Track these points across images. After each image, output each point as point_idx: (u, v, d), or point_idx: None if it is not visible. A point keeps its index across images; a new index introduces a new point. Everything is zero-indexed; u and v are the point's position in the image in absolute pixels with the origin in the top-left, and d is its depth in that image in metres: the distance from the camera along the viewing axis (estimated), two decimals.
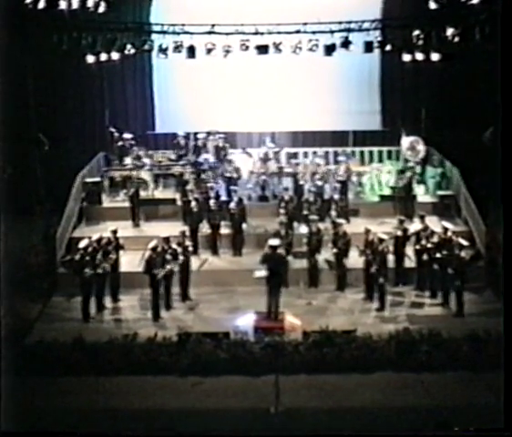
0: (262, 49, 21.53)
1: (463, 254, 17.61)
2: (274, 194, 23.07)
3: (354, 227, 20.49)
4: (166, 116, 27.00)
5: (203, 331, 16.22)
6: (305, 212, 20.74)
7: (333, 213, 21.22)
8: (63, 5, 19.45)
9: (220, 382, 14.96)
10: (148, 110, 27.16)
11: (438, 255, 17.84)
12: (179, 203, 22.32)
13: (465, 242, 17.95)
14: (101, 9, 20.96)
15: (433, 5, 20.63)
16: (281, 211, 20.39)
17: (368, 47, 21.79)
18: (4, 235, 13.69)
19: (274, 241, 17.66)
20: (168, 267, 17.73)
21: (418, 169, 24.04)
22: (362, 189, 23.75)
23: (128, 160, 24.24)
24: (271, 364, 15.33)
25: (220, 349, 15.56)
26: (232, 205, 20.84)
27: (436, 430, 12.95)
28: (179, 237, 18.64)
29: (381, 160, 25.83)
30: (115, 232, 18.71)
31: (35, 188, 19.68)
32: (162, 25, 22.16)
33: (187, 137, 25.31)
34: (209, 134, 25.02)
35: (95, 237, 18.18)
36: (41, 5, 18.75)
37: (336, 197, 21.91)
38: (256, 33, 21.40)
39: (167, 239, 18.13)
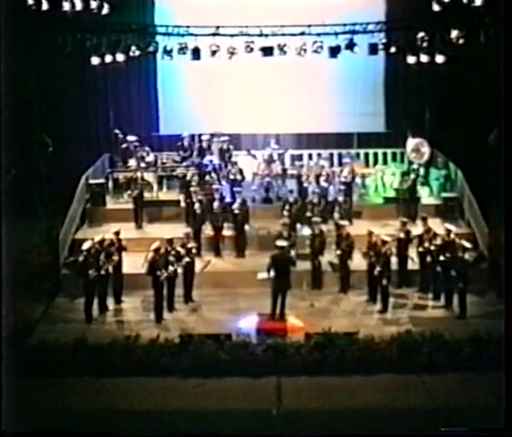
0: (267, 51, 21.49)
1: (466, 256, 17.56)
2: (278, 196, 23.04)
3: (358, 229, 20.46)
4: (170, 118, 26.99)
5: (205, 333, 16.23)
6: (308, 214, 20.72)
7: (336, 215, 21.26)
8: (66, 7, 19.48)
9: (222, 384, 14.94)
10: (152, 112, 27.16)
11: (441, 257, 17.84)
12: (182, 205, 22.33)
13: (467, 244, 17.90)
14: (104, 11, 20.95)
15: (436, 7, 20.62)
16: (285, 213, 20.36)
17: (373, 49, 21.77)
18: (6, 235, 13.67)
19: (281, 242, 17.66)
20: (172, 268, 17.74)
21: (422, 171, 24.00)
22: (366, 191, 23.74)
23: (132, 162, 24.26)
24: (273, 366, 15.30)
25: (222, 350, 15.54)
26: (235, 206, 20.86)
27: (438, 431, 12.95)
28: (182, 238, 18.64)
29: (385, 162, 25.82)
30: (117, 234, 18.70)
31: (38, 188, 19.68)
32: (167, 26, 22.10)
33: (191, 138, 25.30)
34: (213, 136, 25.00)
35: (97, 238, 18.17)
36: (44, 6, 18.77)
37: (340, 199, 21.90)
38: (261, 35, 21.36)
39: (170, 241, 18.14)
